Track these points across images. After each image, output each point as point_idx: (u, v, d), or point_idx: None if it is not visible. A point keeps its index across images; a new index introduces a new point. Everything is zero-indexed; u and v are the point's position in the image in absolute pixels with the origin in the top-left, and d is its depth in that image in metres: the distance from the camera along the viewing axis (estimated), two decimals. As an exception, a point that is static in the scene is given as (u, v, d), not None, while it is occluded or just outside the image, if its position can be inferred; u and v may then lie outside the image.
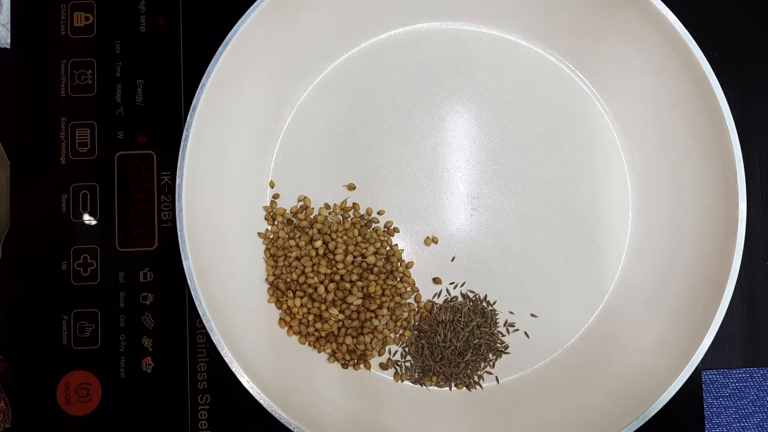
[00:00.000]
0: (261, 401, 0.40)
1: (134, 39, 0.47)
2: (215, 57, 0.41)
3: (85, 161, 0.47)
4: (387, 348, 0.45)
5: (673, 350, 0.42)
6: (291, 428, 0.40)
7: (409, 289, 0.46)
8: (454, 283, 0.46)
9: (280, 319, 0.45)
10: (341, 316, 0.44)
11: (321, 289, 0.44)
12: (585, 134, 0.47)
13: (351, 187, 0.46)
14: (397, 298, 0.45)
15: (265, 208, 0.46)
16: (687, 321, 0.42)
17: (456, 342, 0.44)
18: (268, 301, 0.45)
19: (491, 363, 0.45)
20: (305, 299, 0.44)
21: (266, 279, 0.45)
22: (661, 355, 0.42)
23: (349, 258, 0.44)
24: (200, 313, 0.39)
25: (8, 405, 0.45)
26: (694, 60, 0.42)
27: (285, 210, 0.46)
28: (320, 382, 0.44)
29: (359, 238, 0.45)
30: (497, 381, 0.45)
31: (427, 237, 0.46)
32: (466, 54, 0.47)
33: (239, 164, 0.45)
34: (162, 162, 0.47)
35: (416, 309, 0.46)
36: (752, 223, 0.42)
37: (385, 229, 0.46)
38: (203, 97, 0.41)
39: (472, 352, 0.44)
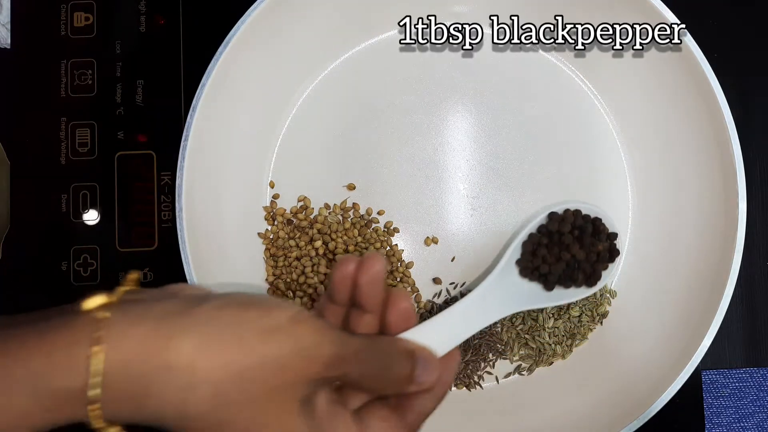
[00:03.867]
0: (261, 401, 0.40)
1: (134, 39, 0.47)
2: (215, 57, 0.41)
3: (85, 161, 0.47)
4: (387, 348, 0.45)
5: (673, 350, 0.42)
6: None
7: (409, 289, 0.46)
8: (454, 283, 0.46)
9: (280, 319, 0.44)
10: (341, 316, 0.44)
11: (321, 289, 0.44)
12: (585, 134, 0.47)
13: (351, 187, 0.46)
14: (397, 298, 0.45)
15: (265, 208, 0.46)
16: (687, 321, 0.42)
17: (456, 342, 0.44)
18: (268, 301, 0.45)
19: (491, 363, 0.45)
20: (305, 299, 0.44)
21: (266, 279, 0.45)
22: (661, 355, 0.42)
23: (349, 258, 0.44)
24: (200, 313, 0.39)
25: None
26: (694, 60, 0.42)
27: (285, 210, 0.46)
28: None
29: (359, 238, 0.45)
30: (497, 381, 0.45)
31: (427, 237, 0.46)
32: (466, 54, 0.47)
33: (239, 164, 0.45)
34: (162, 162, 0.47)
35: (416, 309, 0.46)
36: (752, 223, 0.42)
37: (385, 229, 0.46)
38: (203, 97, 0.41)
39: (472, 352, 0.44)
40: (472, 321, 0.37)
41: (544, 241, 0.42)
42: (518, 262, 0.42)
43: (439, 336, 0.32)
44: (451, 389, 0.45)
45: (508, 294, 0.40)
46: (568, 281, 0.41)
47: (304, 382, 0.27)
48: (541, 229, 0.43)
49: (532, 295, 0.41)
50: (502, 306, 0.39)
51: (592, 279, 0.42)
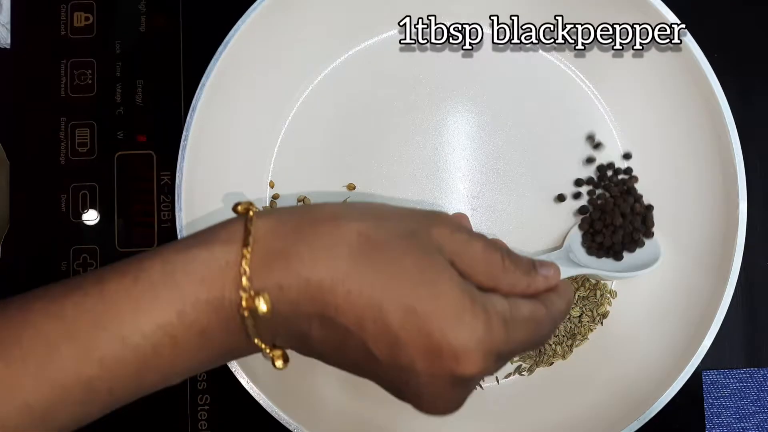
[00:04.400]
0: (260, 401, 0.40)
1: (134, 39, 0.47)
2: (215, 57, 0.41)
3: (84, 161, 0.47)
4: (387, 348, 0.45)
5: (673, 350, 0.42)
6: (291, 428, 0.40)
7: (409, 289, 0.45)
8: (454, 283, 0.46)
9: (280, 319, 0.44)
10: (341, 316, 0.44)
11: (321, 289, 0.44)
12: (585, 134, 0.47)
13: (351, 187, 0.46)
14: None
15: (264, 208, 0.46)
16: (687, 321, 0.42)
17: (456, 342, 0.44)
18: (268, 301, 0.45)
19: (491, 363, 0.45)
20: (305, 299, 0.44)
21: (266, 279, 0.45)
22: (661, 356, 0.42)
23: (349, 258, 0.44)
24: (200, 313, 0.39)
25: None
26: (694, 60, 0.42)
27: (285, 210, 0.46)
28: (320, 382, 0.44)
29: (359, 238, 0.45)
30: (497, 381, 0.45)
31: (427, 237, 0.46)
32: (466, 54, 0.47)
33: (239, 164, 0.45)
34: (162, 162, 0.47)
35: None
36: (752, 223, 0.42)
37: (385, 229, 0.46)
38: (203, 97, 0.41)
39: (472, 353, 0.44)
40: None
41: (595, 216, 0.44)
42: (583, 245, 0.45)
43: None
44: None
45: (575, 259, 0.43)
46: (631, 244, 0.44)
47: (433, 237, 0.28)
48: (582, 209, 0.45)
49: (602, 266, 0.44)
50: (572, 266, 0.42)
51: (648, 229, 0.44)
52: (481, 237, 0.30)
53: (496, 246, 0.30)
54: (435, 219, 0.29)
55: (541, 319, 0.30)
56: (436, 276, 0.27)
